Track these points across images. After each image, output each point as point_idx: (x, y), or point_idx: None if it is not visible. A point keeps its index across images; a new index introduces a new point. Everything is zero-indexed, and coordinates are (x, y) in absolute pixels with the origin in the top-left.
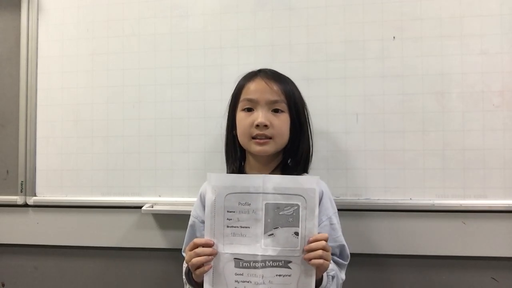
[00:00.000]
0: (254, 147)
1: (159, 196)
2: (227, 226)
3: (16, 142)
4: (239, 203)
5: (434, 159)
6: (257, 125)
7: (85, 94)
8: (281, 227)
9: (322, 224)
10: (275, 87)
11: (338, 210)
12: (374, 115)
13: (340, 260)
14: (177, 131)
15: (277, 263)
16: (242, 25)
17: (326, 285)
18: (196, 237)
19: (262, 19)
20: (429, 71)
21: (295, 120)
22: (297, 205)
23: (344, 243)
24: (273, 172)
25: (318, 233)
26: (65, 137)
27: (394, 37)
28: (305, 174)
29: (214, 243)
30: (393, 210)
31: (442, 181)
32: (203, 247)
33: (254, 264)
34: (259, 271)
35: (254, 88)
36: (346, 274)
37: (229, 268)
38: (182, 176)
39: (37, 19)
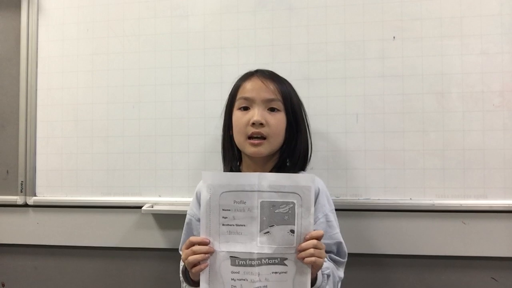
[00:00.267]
0: (249, 149)
1: (159, 196)
2: (223, 225)
3: (16, 142)
4: (235, 201)
5: (434, 159)
6: (253, 123)
7: (85, 94)
8: (277, 225)
9: (318, 221)
10: (271, 86)
11: (338, 210)
12: (374, 115)
13: (338, 258)
14: (177, 131)
15: (273, 260)
16: (242, 25)
17: (321, 284)
18: (193, 235)
19: (262, 19)
20: (429, 71)
21: (291, 120)
22: (293, 203)
23: (341, 240)
24: (270, 172)
25: (314, 230)
26: (65, 137)
27: (394, 37)
28: (302, 172)
29: (210, 241)
30: (393, 210)
31: (442, 181)
32: (199, 245)
33: (250, 262)
34: (255, 269)
35: (250, 87)
36: (345, 274)
37: (225, 266)
38: (182, 176)
39: (37, 19)
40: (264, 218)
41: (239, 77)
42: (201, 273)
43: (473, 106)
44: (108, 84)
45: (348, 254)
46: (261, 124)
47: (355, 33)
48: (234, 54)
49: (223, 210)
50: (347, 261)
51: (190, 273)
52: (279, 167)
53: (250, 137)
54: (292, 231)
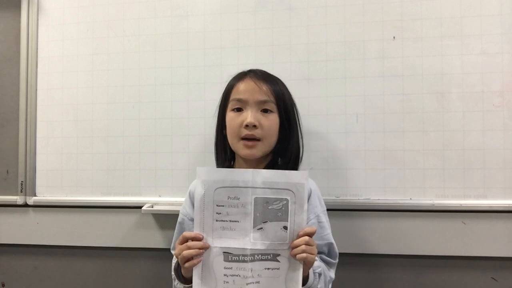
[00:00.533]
0: (242, 151)
1: (159, 196)
2: (216, 220)
3: (16, 142)
4: (229, 197)
5: (434, 159)
6: (246, 125)
7: (85, 94)
8: (270, 221)
9: (310, 222)
10: (264, 87)
11: (338, 210)
12: (374, 115)
13: (329, 259)
14: (177, 131)
15: (266, 256)
16: (242, 25)
17: (313, 282)
18: None
19: (262, 19)
20: (429, 71)
21: (284, 121)
22: (286, 199)
23: (333, 241)
24: None
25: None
26: (65, 137)
27: (394, 37)
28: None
29: (203, 237)
30: (393, 210)
31: (442, 181)
32: (192, 240)
33: (243, 257)
34: (248, 265)
35: (243, 88)
36: (345, 274)
37: (218, 262)
38: (182, 176)
39: (37, 19)
40: (258, 214)
41: (232, 77)
42: (194, 268)
43: (473, 106)
44: (108, 84)
45: (348, 254)
46: (255, 126)
47: (355, 33)
48: (234, 54)
49: (217, 206)
50: (347, 261)
51: (182, 269)
52: (271, 167)
53: (243, 138)
54: (285, 228)
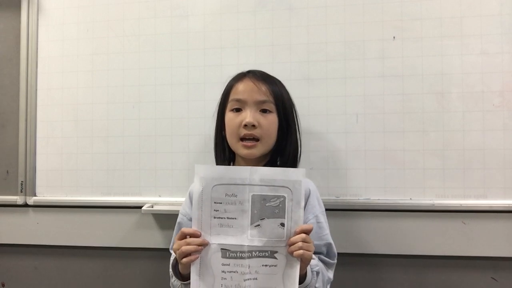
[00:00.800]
0: (242, 151)
1: (159, 196)
2: (214, 217)
3: (16, 142)
4: (226, 195)
5: (434, 159)
6: (245, 125)
7: (85, 94)
8: (268, 218)
9: (308, 222)
10: (263, 87)
11: (338, 210)
12: (374, 115)
13: (327, 259)
14: (177, 131)
15: (264, 253)
16: (242, 25)
17: (311, 281)
18: None
19: (262, 19)
20: (429, 71)
21: (282, 121)
22: (283, 196)
23: (331, 241)
24: None
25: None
26: (65, 137)
27: (394, 37)
28: None
29: (201, 234)
30: (393, 210)
31: (442, 181)
32: (190, 236)
33: (240, 254)
34: (246, 261)
35: (242, 89)
36: (345, 274)
37: (216, 259)
38: (182, 176)
39: (37, 19)
40: (255, 211)
41: (231, 77)
42: (191, 265)
43: (473, 106)
44: (108, 84)
45: (349, 254)
46: (253, 126)
47: (355, 33)
48: (234, 54)
49: (214, 203)
50: (347, 261)
51: (180, 266)
52: (270, 166)
53: (242, 139)
54: (282, 225)
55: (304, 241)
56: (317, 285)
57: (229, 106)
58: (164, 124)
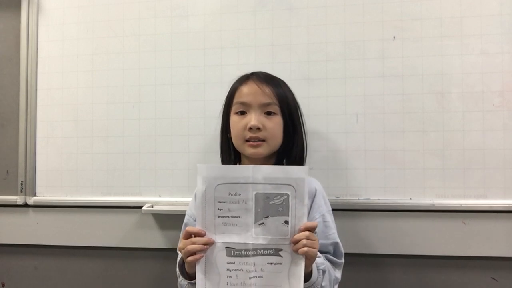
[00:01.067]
0: (248, 150)
1: (159, 196)
2: (218, 216)
3: (16, 142)
4: (229, 194)
5: (434, 159)
6: (250, 128)
7: (85, 94)
8: (271, 216)
9: (315, 221)
10: (267, 89)
11: (338, 210)
12: (374, 115)
13: (334, 259)
14: (177, 131)
15: (268, 251)
16: (242, 25)
17: (316, 279)
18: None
19: (262, 19)
20: (429, 71)
21: (288, 122)
22: (287, 194)
23: (338, 241)
24: None
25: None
26: (65, 137)
27: (394, 37)
28: None
29: (205, 233)
30: (393, 210)
31: (442, 181)
32: (195, 235)
33: (245, 252)
34: (251, 259)
35: (246, 91)
36: (345, 274)
37: (221, 257)
38: (182, 176)
39: (37, 19)
40: (259, 210)
41: (235, 79)
42: (197, 264)
43: (473, 106)
44: (108, 84)
45: (349, 254)
46: (258, 129)
47: (355, 33)
48: (234, 54)
49: (218, 202)
50: (347, 261)
51: (186, 265)
52: None
53: (248, 140)
54: (287, 222)
55: (308, 238)
56: (323, 284)
57: (234, 109)
58: (164, 124)
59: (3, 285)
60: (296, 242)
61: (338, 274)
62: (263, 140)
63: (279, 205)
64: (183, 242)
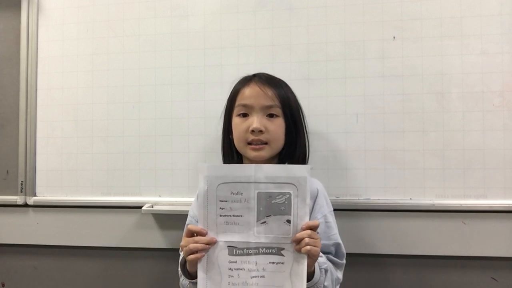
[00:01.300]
0: (250, 153)
1: (159, 196)
2: (220, 215)
3: (16, 142)
4: (231, 193)
5: (434, 159)
6: (252, 131)
7: (85, 94)
8: (274, 215)
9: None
10: (269, 92)
11: (338, 210)
12: (374, 115)
13: (336, 259)
14: (177, 131)
15: (270, 250)
16: (242, 25)
17: (319, 278)
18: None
19: (262, 19)
20: (429, 71)
21: (290, 125)
22: (289, 193)
23: (340, 241)
24: None
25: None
26: (65, 137)
27: (394, 37)
28: None
29: (207, 232)
30: (393, 210)
31: (442, 181)
32: (197, 234)
33: (247, 251)
34: (252, 258)
35: (248, 94)
36: (345, 274)
37: (223, 256)
38: (182, 176)
39: (37, 19)
40: (261, 209)
41: (237, 81)
42: (198, 263)
43: (473, 106)
44: (108, 84)
45: (349, 254)
46: (261, 131)
47: (355, 33)
48: (234, 54)
49: (220, 201)
50: (347, 261)
51: (187, 264)
52: None
53: (250, 143)
54: (289, 221)
55: (310, 236)
56: (325, 283)
57: (236, 111)
58: (164, 124)
59: (3, 285)
60: (298, 240)
61: (339, 274)
62: (265, 143)
63: (281, 204)
64: (185, 240)
